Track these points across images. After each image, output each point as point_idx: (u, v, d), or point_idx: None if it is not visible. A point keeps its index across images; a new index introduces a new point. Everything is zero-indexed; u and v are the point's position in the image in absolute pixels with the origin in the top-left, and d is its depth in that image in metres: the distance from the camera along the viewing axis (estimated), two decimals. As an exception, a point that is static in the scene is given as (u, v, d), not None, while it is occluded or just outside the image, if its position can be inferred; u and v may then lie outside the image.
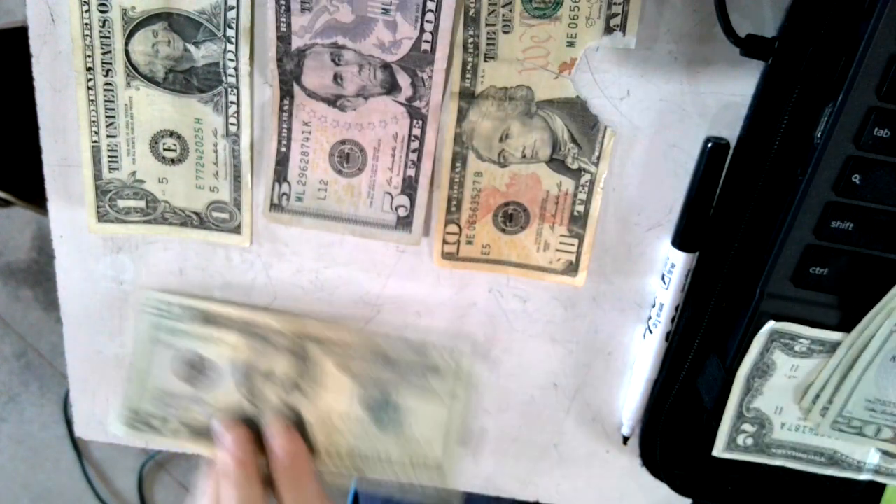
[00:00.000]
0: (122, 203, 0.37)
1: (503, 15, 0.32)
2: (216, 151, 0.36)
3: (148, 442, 0.40)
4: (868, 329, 0.32)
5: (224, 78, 0.34)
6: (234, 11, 0.33)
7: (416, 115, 0.34)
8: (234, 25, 0.33)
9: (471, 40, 0.33)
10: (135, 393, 0.39)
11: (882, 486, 0.38)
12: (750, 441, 0.35)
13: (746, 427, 0.35)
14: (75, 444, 1.32)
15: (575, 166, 0.35)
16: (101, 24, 0.34)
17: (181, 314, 0.38)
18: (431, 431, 0.39)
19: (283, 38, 0.33)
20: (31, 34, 0.34)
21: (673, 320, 0.36)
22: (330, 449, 0.39)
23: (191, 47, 0.34)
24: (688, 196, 0.34)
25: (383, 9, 0.32)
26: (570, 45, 0.32)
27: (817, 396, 0.34)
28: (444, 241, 0.37)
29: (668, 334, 0.37)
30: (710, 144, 0.33)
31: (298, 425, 0.38)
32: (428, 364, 0.38)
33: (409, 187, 0.36)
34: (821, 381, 0.34)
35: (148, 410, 0.39)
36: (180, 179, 0.37)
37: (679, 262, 0.35)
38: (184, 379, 0.38)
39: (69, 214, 0.38)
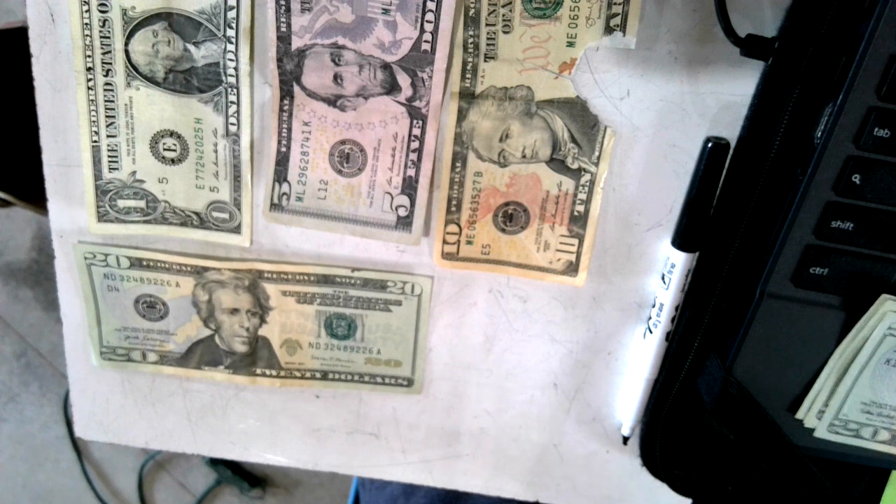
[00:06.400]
0: (122, 203, 0.37)
1: (503, 15, 0.32)
2: (216, 151, 0.36)
3: (132, 372, 0.42)
4: (861, 333, 0.32)
5: (224, 78, 0.34)
6: (234, 11, 0.33)
7: (416, 115, 0.34)
8: (234, 25, 0.33)
9: (471, 40, 0.33)
10: (101, 333, 0.41)
11: (882, 487, 0.38)
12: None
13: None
14: (75, 444, 1.32)
15: (575, 166, 0.35)
16: (101, 24, 0.34)
17: (128, 263, 0.39)
18: (391, 335, 0.40)
19: (283, 38, 0.33)
20: (31, 34, 0.34)
21: (673, 320, 0.36)
22: (293, 365, 0.41)
23: (191, 47, 0.34)
24: (688, 196, 0.34)
25: (383, 9, 0.32)
26: (570, 45, 0.32)
27: (814, 400, 0.34)
28: (444, 241, 0.37)
29: (668, 334, 0.37)
30: (710, 144, 0.33)
31: (262, 346, 0.40)
32: (388, 299, 0.39)
33: (409, 187, 0.36)
34: (817, 384, 0.34)
35: (120, 345, 0.41)
36: (180, 179, 0.37)
37: (679, 262, 0.35)
38: (144, 318, 0.40)
39: (69, 214, 0.38)
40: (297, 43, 0.33)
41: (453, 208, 0.36)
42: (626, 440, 0.41)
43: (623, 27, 0.32)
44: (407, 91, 0.34)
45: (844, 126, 0.29)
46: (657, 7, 0.32)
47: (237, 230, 0.38)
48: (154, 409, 0.43)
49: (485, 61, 0.33)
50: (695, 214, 0.34)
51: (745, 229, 0.33)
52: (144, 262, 0.39)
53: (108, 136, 0.36)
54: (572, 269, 0.37)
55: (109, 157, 0.36)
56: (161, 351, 0.41)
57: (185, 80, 0.34)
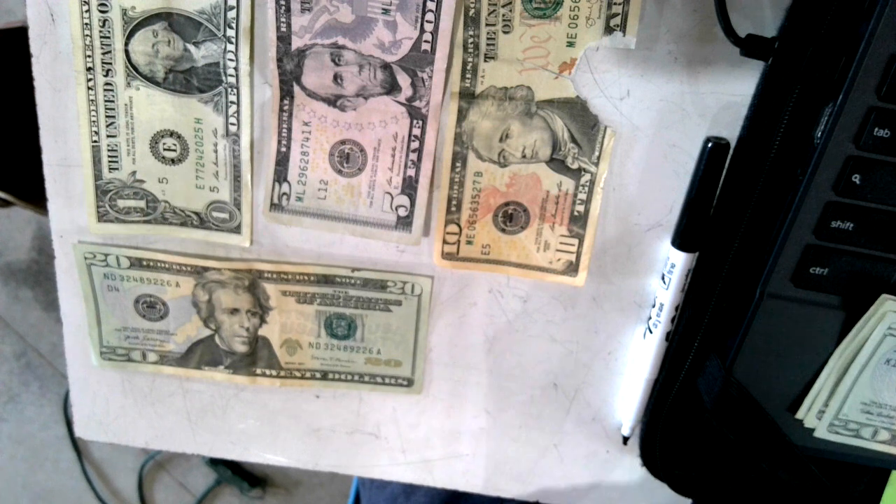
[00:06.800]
0: (122, 203, 0.37)
1: (503, 15, 0.32)
2: (216, 151, 0.36)
3: (132, 372, 0.42)
4: (861, 333, 0.32)
5: (224, 78, 0.34)
6: (234, 11, 0.33)
7: (416, 115, 0.34)
8: (234, 25, 0.33)
9: (471, 40, 0.33)
10: (101, 333, 0.41)
11: (882, 487, 0.38)
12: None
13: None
14: (75, 444, 1.32)
15: (575, 166, 0.35)
16: (101, 24, 0.34)
17: (128, 263, 0.39)
18: (391, 335, 0.40)
19: (283, 38, 0.33)
20: (31, 34, 0.34)
21: (673, 320, 0.36)
22: (293, 365, 0.41)
23: (191, 47, 0.34)
24: (688, 196, 0.34)
25: (383, 9, 0.32)
26: (571, 45, 0.32)
27: (814, 400, 0.34)
28: (444, 241, 0.37)
29: (668, 334, 0.37)
30: (710, 144, 0.33)
31: (262, 346, 0.40)
32: (388, 299, 0.39)
33: (409, 187, 0.36)
34: (817, 384, 0.34)
35: (120, 345, 0.41)
36: (180, 179, 0.37)
37: (679, 262, 0.35)
38: (144, 318, 0.40)
39: (69, 214, 0.38)
40: (297, 43, 0.33)
41: (453, 208, 0.36)
42: (626, 440, 0.41)
43: (623, 27, 0.32)
44: (407, 91, 0.34)
45: (844, 126, 0.29)
46: (657, 7, 0.32)
47: (237, 230, 0.38)
48: (154, 409, 0.43)
49: (485, 61, 0.33)
50: (695, 214, 0.34)
51: (745, 229, 0.33)
52: (144, 262, 0.39)
53: (108, 136, 0.36)
54: (572, 269, 0.37)
55: (109, 157, 0.36)
56: (161, 351, 0.41)
57: (185, 80, 0.34)
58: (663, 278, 0.36)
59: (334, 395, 0.42)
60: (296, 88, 0.34)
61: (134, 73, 0.34)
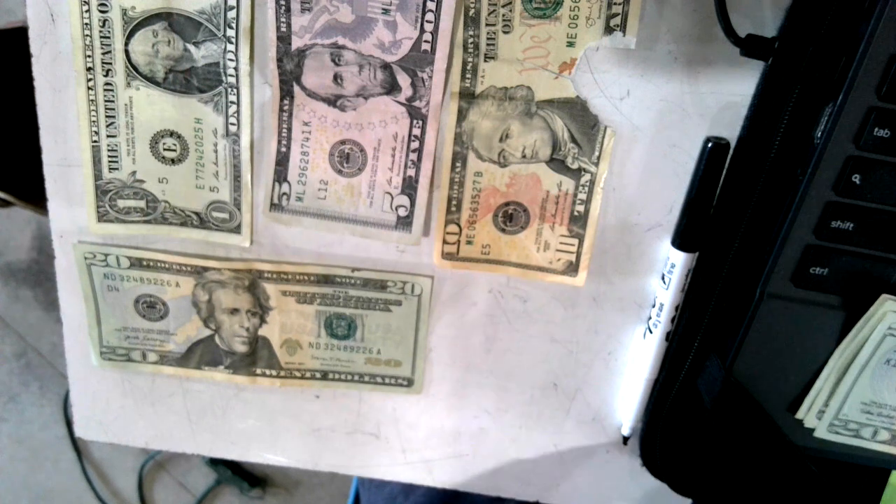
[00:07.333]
0: (122, 203, 0.37)
1: (503, 15, 0.32)
2: (216, 151, 0.36)
3: (132, 372, 0.42)
4: (861, 333, 0.32)
5: (224, 78, 0.34)
6: (234, 11, 0.33)
7: (416, 115, 0.34)
8: (234, 25, 0.33)
9: (471, 40, 0.33)
10: (101, 334, 0.41)
11: (882, 487, 0.38)
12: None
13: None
14: (75, 444, 1.32)
15: (575, 166, 0.35)
16: (101, 24, 0.34)
17: (128, 263, 0.39)
18: (391, 335, 0.40)
19: (283, 38, 0.33)
20: (31, 34, 0.34)
21: (673, 320, 0.36)
22: (293, 365, 0.41)
23: (191, 47, 0.34)
24: (688, 196, 0.34)
25: (383, 9, 0.32)
26: (571, 45, 0.32)
27: (814, 400, 0.34)
28: (444, 241, 0.37)
29: (668, 334, 0.37)
30: (710, 144, 0.33)
31: (262, 346, 0.40)
32: (388, 299, 0.39)
33: (409, 187, 0.36)
34: (817, 384, 0.34)
35: (120, 345, 0.41)
36: (180, 179, 0.37)
37: (679, 262, 0.35)
38: (144, 318, 0.40)
39: (69, 214, 0.38)
40: (297, 43, 0.33)
41: (453, 208, 0.36)
42: (626, 440, 0.41)
43: (623, 27, 0.32)
44: (407, 91, 0.34)
45: (844, 126, 0.29)
46: (657, 7, 0.32)
47: (237, 230, 0.38)
48: (154, 409, 0.43)
49: (485, 61, 0.33)
50: (695, 214, 0.34)
51: (745, 229, 0.33)
52: (144, 262, 0.39)
53: (108, 136, 0.36)
54: (572, 269, 0.37)
55: (109, 157, 0.36)
56: (161, 351, 0.41)
57: (185, 80, 0.34)
58: (663, 278, 0.36)
59: (334, 395, 0.42)
60: (296, 88, 0.34)
61: (134, 73, 0.34)
